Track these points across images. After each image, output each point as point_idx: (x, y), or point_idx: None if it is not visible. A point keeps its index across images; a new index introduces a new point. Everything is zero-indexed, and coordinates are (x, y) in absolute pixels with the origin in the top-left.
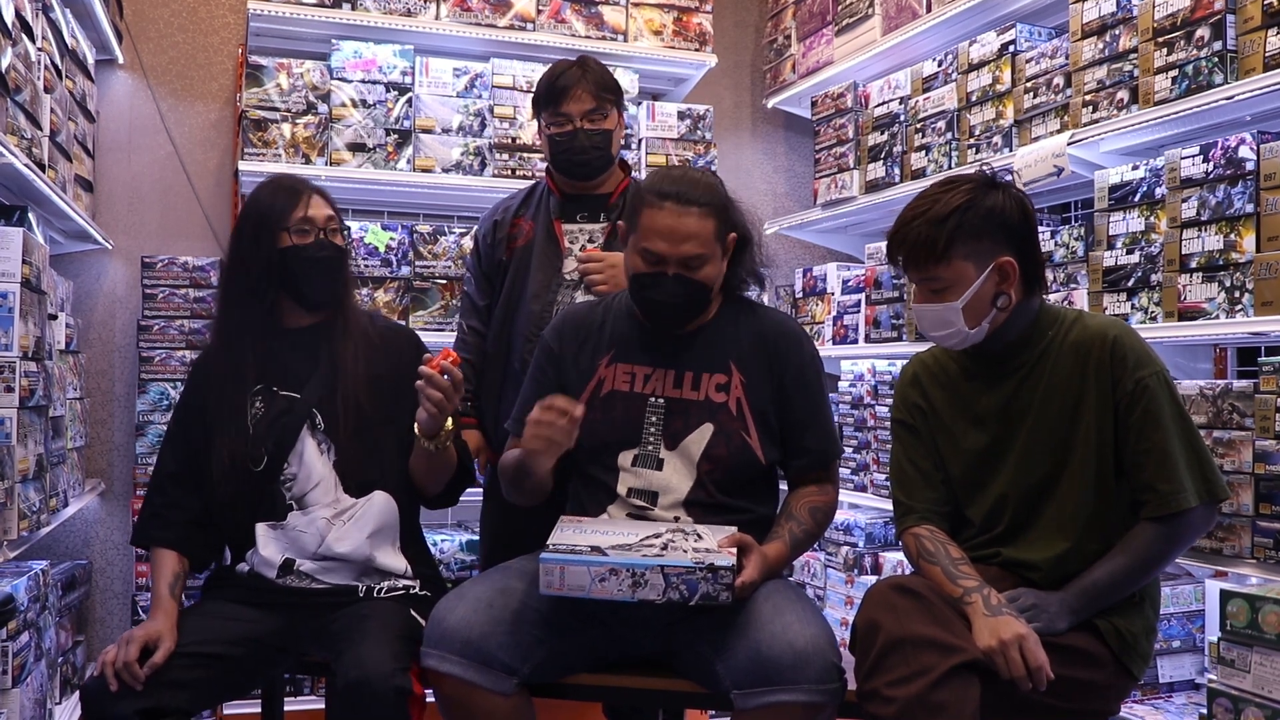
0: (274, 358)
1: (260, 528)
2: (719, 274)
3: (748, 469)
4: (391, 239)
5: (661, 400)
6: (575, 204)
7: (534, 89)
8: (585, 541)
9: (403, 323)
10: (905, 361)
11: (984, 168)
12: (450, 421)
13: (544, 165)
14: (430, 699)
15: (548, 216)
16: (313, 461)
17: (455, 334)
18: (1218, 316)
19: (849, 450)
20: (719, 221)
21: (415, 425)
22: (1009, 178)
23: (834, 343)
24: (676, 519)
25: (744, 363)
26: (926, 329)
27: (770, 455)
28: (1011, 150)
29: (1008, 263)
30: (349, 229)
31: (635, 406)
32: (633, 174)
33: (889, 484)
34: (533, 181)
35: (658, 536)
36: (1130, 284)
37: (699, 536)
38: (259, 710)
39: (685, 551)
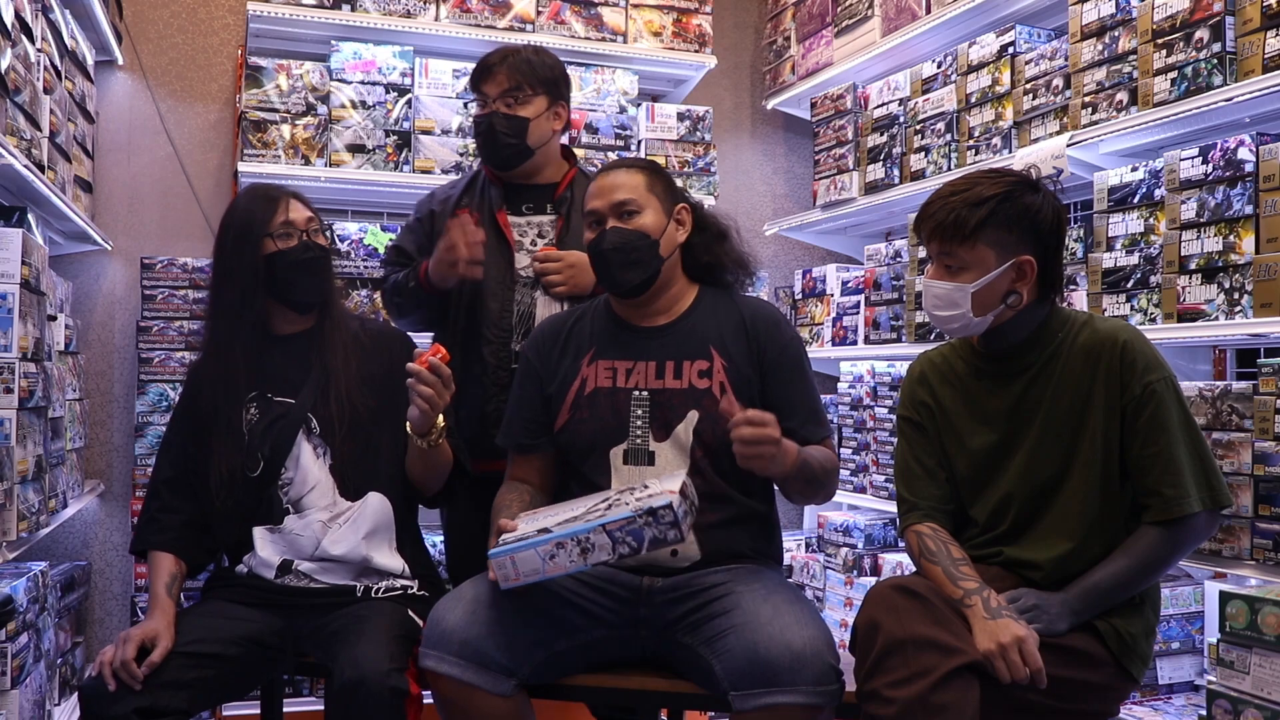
0: (267, 364)
1: (257, 531)
2: (664, 232)
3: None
4: (391, 240)
5: (645, 392)
6: (519, 194)
7: None
8: (535, 526)
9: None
10: (907, 361)
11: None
12: (442, 418)
13: None
14: (428, 700)
15: (491, 208)
16: (309, 466)
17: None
18: (1217, 318)
19: (848, 451)
20: (652, 179)
21: (407, 423)
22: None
23: (833, 344)
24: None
25: (725, 347)
26: (931, 307)
27: None
28: (1011, 152)
29: (1028, 262)
30: (330, 228)
31: (620, 401)
32: (579, 162)
33: (892, 481)
34: (473, 170)
35: (605, 500)
36: (1129, 285)
37: (645, 487)
38: (258, 711)
39: (628, 505)
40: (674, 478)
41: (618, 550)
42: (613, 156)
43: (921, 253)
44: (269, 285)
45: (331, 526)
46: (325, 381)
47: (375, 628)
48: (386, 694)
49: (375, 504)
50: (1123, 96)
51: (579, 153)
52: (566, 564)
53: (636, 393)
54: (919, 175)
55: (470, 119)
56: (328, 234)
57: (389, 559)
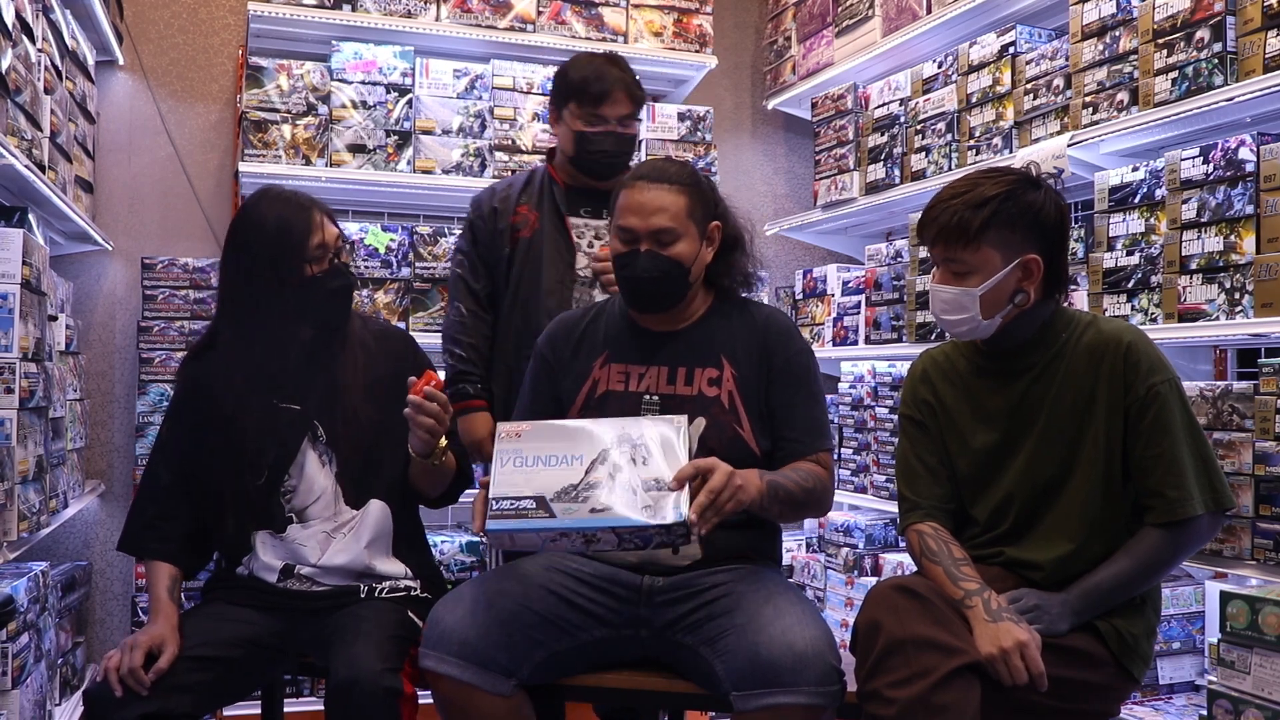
0: (273, 370)
1: (259, 535)
2: (697, 256)
3: (743, 461)
4: (391, 240)
5: (655, 397)
6: (580, 197)
7: (560, 79)
8: (526, 485)
9: (393, 323)
10: (908, 361)
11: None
12: (444, 440)
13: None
14: (424, 699)
15: (555, 209)
16: (314, 474)
17: (446, 316)
18: (1218, 318)
19: (848, 452)
20: (693, 201)
21: (410, 448)
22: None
23: (834, 344)
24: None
25: (736, 356)
26: (939, 311)
27: (765, 446)
28: (1012, 152)
29: (1034, 260)
30: (351, 244)
31: (630, 405)
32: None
33: (893, 480)
34: (530, 169)
35: (603, 463)
36: (1130, 285)
37: (648, 455)
38: (259, 711)
39: (634, 491)
40: (665, 420)
41: (623, 546)
42: None
43: (922, 252)
44: (302, 309)
45: (335, 537)
46: (332, 387)
47: (372, 628)
48: (380, 694)
49: (376, 512)
50: (1123, 96)
51: None
52: (567, 548)
53: (647, 397)
54: (920, 175)
55: (473, 119)
56: (348, 248)
57: (389, 565)
